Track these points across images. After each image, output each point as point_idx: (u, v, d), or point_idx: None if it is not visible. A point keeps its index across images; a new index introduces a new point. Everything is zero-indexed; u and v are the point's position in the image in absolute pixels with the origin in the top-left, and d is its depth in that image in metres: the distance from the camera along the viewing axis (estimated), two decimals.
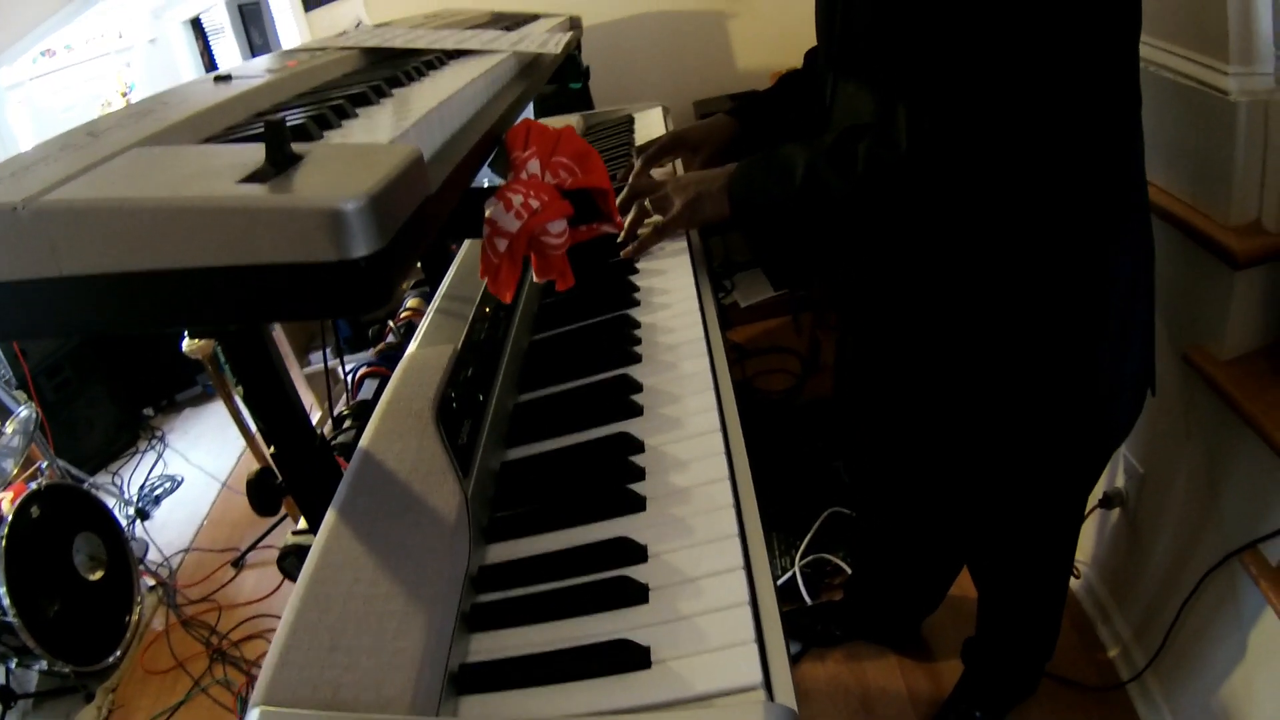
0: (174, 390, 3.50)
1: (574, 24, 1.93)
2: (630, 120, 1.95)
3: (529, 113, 1.67)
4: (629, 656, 0.59)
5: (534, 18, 1.89)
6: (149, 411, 3.44)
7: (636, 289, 1.10)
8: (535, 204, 0.75)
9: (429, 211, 0.53)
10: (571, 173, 0.82)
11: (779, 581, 1.90)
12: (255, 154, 0.49)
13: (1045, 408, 0.99)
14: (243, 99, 0.74)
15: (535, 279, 0.83)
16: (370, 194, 0.43)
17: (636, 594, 0.64)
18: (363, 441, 0.82)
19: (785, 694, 0.54)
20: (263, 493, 0.88)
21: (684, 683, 0.57)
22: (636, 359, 0.95)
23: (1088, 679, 1.58)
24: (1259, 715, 1.22)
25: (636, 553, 0.68)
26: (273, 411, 0.80)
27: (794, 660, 1.35)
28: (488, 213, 0.75)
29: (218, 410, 3.29)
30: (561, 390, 0.96)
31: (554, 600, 0.66)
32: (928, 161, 0.82)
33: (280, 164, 0.48)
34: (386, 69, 0.94)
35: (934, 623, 1.74)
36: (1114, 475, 1.58)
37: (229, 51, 2.50)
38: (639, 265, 1.17)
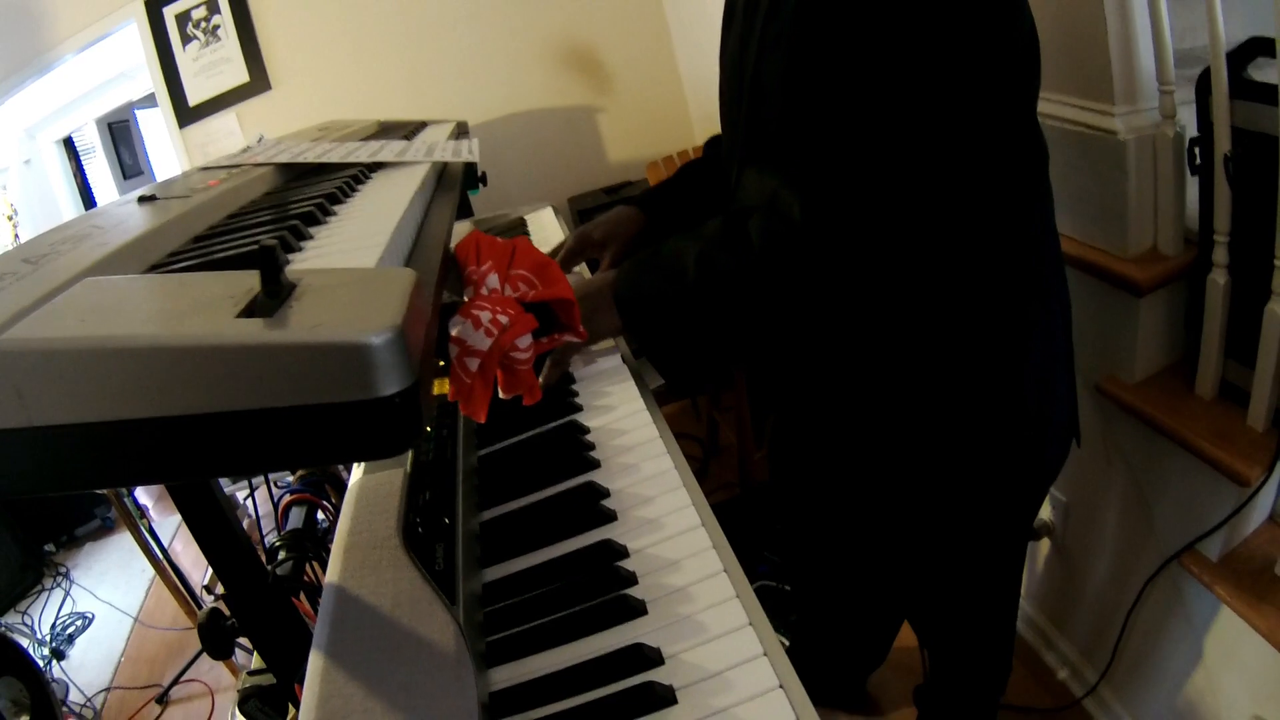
0: (72, 525, 3.38)
1: (462, 129, 1.92)
2: (523, 222, 1.92)
3: None
4: None
5: (422, 125, 1.88)
6: (50, 548, 3.30)
7: (576, 394, 1.08)
8: (504, 319, 0.72)
9: (432, 337, 0.51)
10: (531, 284, 0.80)
11: None
12: (239, 283, 0.45)
13: (976, 459, 1.00)
14: (178, 222, 0.69)
15: (502, 395, 0.80)
16: (397, 324, 0.41)
17: (665, 696, 0.62)
18: (330, 577, 0.77)
19: None
20: (216, 635, 0.81)
21: None
22: (595, 464, 0.93)
23: (1042, 703, 1.63)
24: (1228, 705, 1.26)
25: (653, 657, 0.66)
26: (222, 551, 0.75)
27: None
28: (454, 331, 0.72)
29: (119, 544, 3.22)
30: (527, 504, 0.92)
31: (581, 716, 0.63)
32: (824, 230, 0.80)
33: (277, 294, 0.44)
34: (312, 185, 0.91)
35: (877, 675, 1.75)
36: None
37: (100, 172, 2.39)
38: (572, 370, 1.14)
